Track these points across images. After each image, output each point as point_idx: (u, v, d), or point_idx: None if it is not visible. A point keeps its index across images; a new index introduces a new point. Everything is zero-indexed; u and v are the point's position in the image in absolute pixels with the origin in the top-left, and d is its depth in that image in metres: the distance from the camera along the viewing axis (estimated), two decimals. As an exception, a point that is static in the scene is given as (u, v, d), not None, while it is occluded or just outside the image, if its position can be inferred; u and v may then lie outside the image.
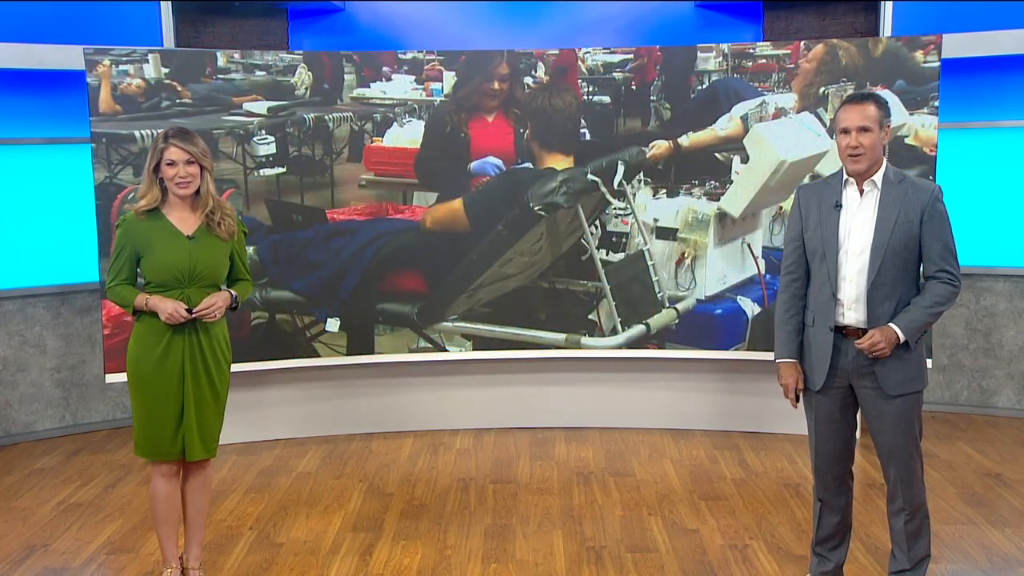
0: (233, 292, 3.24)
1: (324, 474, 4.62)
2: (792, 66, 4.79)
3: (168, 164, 3.08)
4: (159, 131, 3.21)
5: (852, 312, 2.94)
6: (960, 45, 4.98)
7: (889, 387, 2.92)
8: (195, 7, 5.42)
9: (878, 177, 2.94)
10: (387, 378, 5.24)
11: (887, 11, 5.18)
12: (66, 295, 5.28)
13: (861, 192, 2.95)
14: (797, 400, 3.10)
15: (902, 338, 2.86)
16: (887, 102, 2.95)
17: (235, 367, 4.68)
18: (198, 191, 3.14)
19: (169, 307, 3.06)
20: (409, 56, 4.98)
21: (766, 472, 4.56)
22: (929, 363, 4.76)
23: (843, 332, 2.96)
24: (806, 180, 4.79)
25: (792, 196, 4.80)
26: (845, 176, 2.99)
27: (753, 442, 5.01)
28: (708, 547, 3.70)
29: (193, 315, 3.09)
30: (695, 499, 4.22)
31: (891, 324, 2.87)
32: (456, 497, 4.29)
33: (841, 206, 2.97)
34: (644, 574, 3.48)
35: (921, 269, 2.96)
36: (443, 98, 4.96)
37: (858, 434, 3.16)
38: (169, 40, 5.23)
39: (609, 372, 5.25)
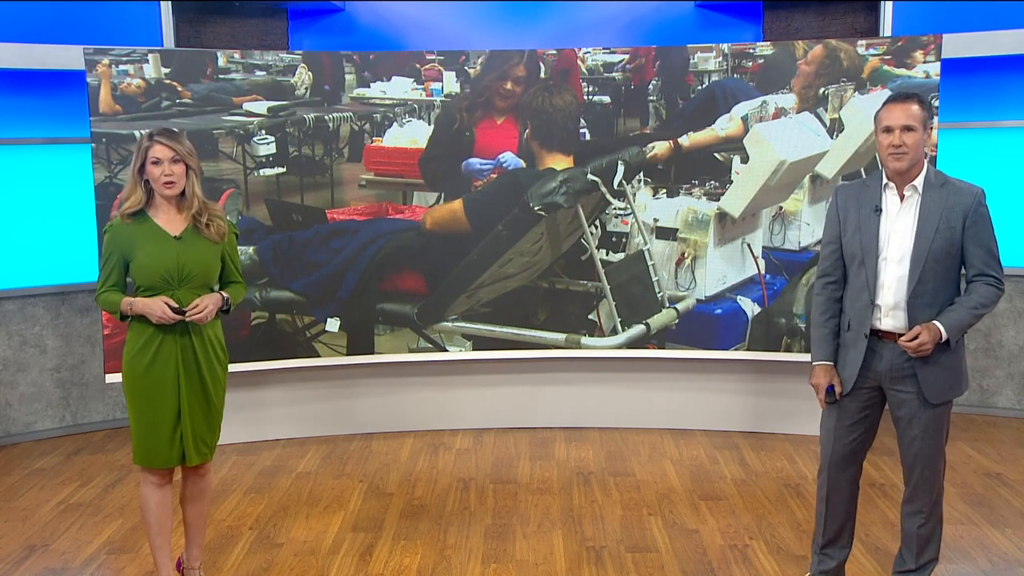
0: (224, 294, 3.17)
1: (324, 474, 4.62)
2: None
3: (153, 163, 3.02)
4: (144, 132, 3.14)
5: (890, 319, 2.90)
6: (960, 45, 4.98)
7: (932, 395, 2.89)
8: (195, 7, 5.42)
9: (919, 181, 2.88)
10: (387, 378, 5.24)
11: (887, 11, 5.19)
12: (66, 295, 5.28)
13: (902, 197, 2.90)
14: (831, 402, 3.05)
15: (944, 337, 2.82)
16: (930, 103, 2.89)
17: (235, 367, 4.71)
18: (184, 193, 3.08)
19: (157, 309, 2.99)
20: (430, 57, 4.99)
21: (766, 472, 4.56)
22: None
23: (879, 335, 2.92)
24: (805, 180, 4.81)
25: (790, 196, 4.83)
26: (885, 180, 2.93)
27: (753, 442, 5.01)
28: (708, 547, 3.70)
29: (184, 315, 3.01)
30: (695, 499, 4.22)
31: (935, 322, 2.83)
32: (456, 497, 4.29)
33: (881, 210, 2.91)
34: (644, 574, 3.48)
35: (963, 272, 2.93)
36: (443, 98, 4.96)
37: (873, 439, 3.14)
38: (169, 40, 5.23)
39: (609, 372, 5.25)
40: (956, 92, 5.27)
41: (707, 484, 4.42)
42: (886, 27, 5.20)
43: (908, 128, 2.81)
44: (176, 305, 3.03)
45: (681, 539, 3.79)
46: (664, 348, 5.06)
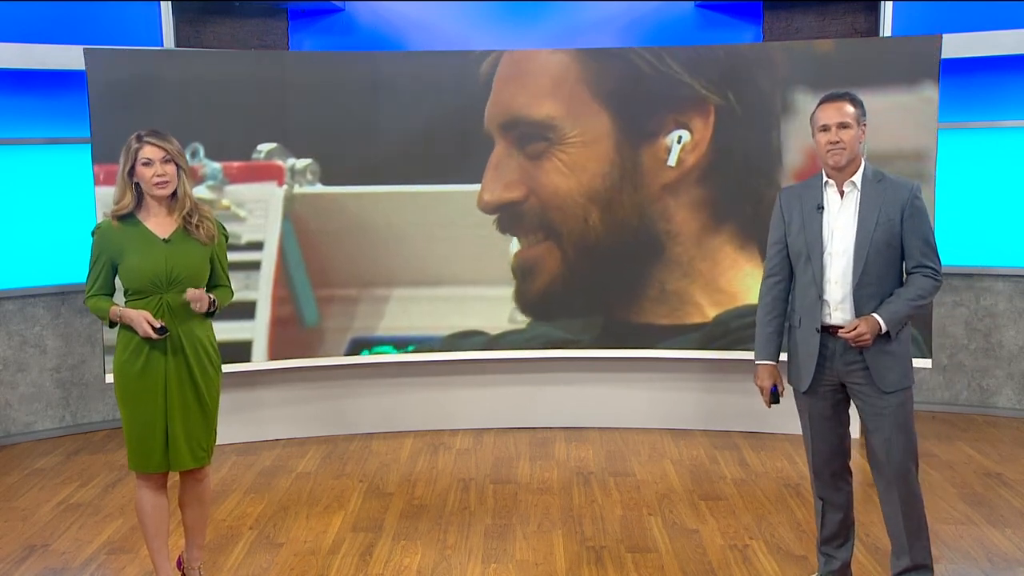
0: (211, 296, 3.11)
1: (324, 474, 4.62)
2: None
3: (144, 164, 2.98)
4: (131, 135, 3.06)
5: (839, 312, 2.97)
6: (960, 45, 4.98)
7: (884, 384, 2.93)
8: (195, 7, 5.42)
9: (857, 177, 2.97)
10: (387, 378, 5.24)
11: (887, 11, 5.19)
12: (66, 295, 5.28)
13: (841, 193, 2.98)
14: (775, 402, 3.12)
15: (883, 328, 2.89)
16: (862, 101, 2.98)
17: (235, 367, 4.71)
18: (175, 193, 3.04)
19: (139, 329, 2.95)
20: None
21: (766, 472, 4.56)
22: (928, 363, 4.79)
23: (830, 331, 2.98)
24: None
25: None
26: (825, 178, 3.02)
27: (753, 442, 5.01)
28: (708, 547, 3.70)
29: (163, 335, 2.97)
30: (695, 499, 4.22)
31: (874, 314, 2.90)
32: (456, 497, 4.29)
33: (823, 208, 2.99)
34: (644, 574, 3.48)
35: (903, 265, 2.99)
36: None
37: (855, 432, 3.16)
38: (169, 40, 5.23)
39: (609, 372, 5.24)
40: (956, 92, 5.27)
41: (707, 484, 4.42)
42: (886, 27, 5.20)
43: (843, 125, 2.91)
44: (159, 324, 2.96)
45: (681, 539, 3.78)
46: (664, 348, 5.05)
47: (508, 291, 5.05)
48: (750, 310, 4.87)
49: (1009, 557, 3.59)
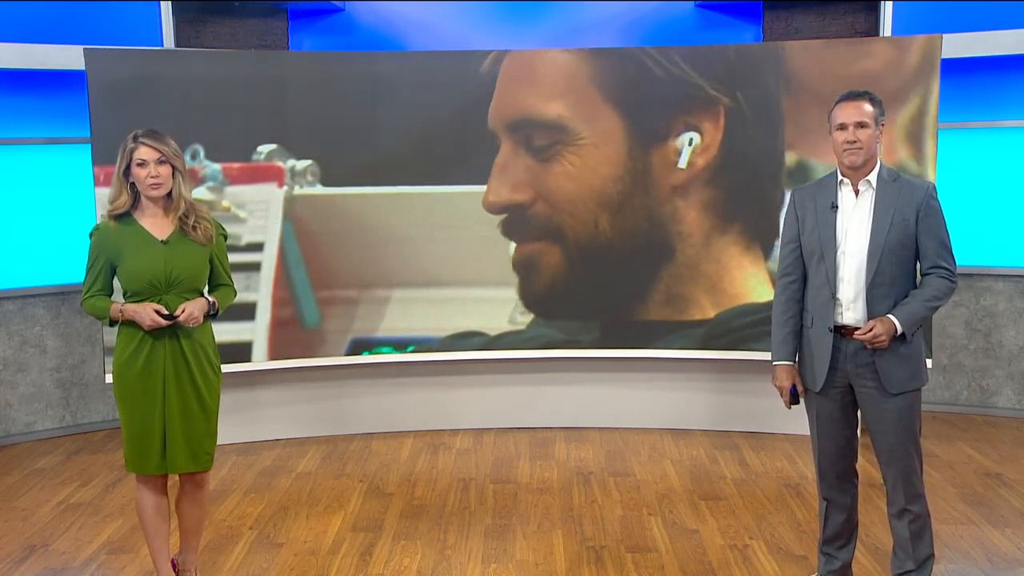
0: (211, 299, 3.14)
1: (324, 474, 4.62)
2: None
3: (138, 165, 2.98)
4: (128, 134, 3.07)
5: (851, 312, 2.96)
6: (960, 45, 4.98)
7: (890, 385, 2.93)
8: (195, 7, 5.42)
9: (873, 176, 2.96)
10: (387, 378, 5.24)
11: (887, 11, 5.19)
12: (66, 295, 5.28)
13: (856, 192, 2.97)
14: (795, 402, 3.10)
15: (899, 330, 2.88)
16: (881, 100, 2.97)
17: (235, 367, 4.71)
18: (170, 194, 3.04)
19: (146, 318, 2.96)
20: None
21: (766, 472, 4.56)
22: (929, 363, 4.77)
23: (842, 332, 2.97)
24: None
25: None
26: (840, 176, 3.01)
27: (753, 442, 5.01)
28: (708, 547, 3.70)
29: (175, 320, 2.99)
30: (695, 499, 4.22)
31: (890, 316, 2.89)
32: (456, 497, 4.29)
33: (837, 207, 2.98)
34: (644, 574, 3.48)
35: (917, 266, 2.98)
36: None
37: (859, 432, 3.16)
38: (169, 40, 5.24)
39: (609, 372, 5.24)
40: (956, 92, 5.27)
41: (707, 484, 4.42)
42: (886, 27, 5.20)
43: (861, 124, 2.90)
44: (166, 312, 2.99)
45: (681, 539, 3.79)
46: (664, 347, 5.05)
47: (508, 292, 5.05)
48: (751, 309, 4.89)
49: (1009, 557, 3.59)
